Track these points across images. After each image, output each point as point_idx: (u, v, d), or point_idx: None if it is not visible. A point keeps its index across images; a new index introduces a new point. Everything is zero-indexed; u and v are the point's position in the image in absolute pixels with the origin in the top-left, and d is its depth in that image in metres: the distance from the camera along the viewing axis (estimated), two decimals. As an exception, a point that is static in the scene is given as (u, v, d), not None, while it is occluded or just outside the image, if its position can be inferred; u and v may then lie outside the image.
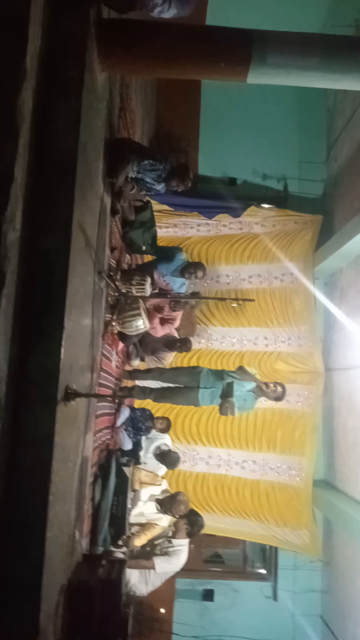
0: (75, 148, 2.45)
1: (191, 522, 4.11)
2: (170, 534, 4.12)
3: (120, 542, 3.60)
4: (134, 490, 3.94)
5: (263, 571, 6.59)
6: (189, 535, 4.10)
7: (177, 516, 4.20)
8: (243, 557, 6.50)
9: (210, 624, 6.11)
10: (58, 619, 2.35)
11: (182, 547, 4.04)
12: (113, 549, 3.61)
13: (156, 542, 4.03)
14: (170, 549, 3.98)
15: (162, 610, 5.05)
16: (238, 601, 6.37)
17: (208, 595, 6.18)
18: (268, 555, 6.52)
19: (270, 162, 7.07)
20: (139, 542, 3.97)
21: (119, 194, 3.54)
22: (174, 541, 4.04)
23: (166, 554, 3.97)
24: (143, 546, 4.01)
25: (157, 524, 4.14)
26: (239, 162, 7.11)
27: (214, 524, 6.00)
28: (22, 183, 2.20)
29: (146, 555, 3.96)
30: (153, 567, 3.89)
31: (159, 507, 4.24)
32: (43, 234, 2.33)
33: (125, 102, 4.29)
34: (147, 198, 4.38)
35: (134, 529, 4.06)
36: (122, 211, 3.74)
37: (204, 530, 6.05)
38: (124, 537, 3.63)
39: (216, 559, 6.80)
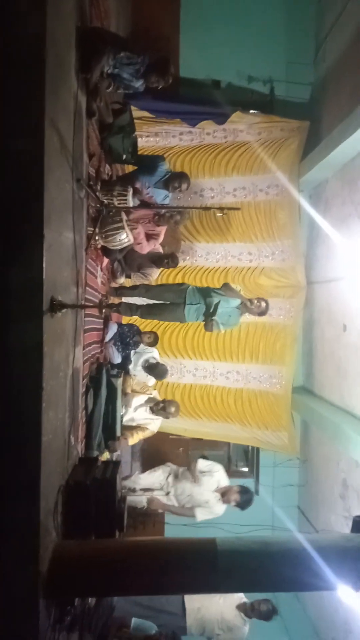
0: (42, 33, 2.19)
1: (243, 492, 4.89)
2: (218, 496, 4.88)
3: (109, 445, 3.82)
4: (125, 394, 4.14)
5: (245, 469, 7.11)
6: (238, 506, 4.88)
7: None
8: (227, 458, 6.97)
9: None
10: (57, 514, 2.52)
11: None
12: (107, 452, 3.84)
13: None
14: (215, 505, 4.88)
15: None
16: (223, 496, 6.95)
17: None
18: (250, 456, 7.00)
19: (256, 63, 6.48)
20: (131, 441, 4.29)
21: (94, 92, 3.23)
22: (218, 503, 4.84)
23: (209, 507, 4.86)
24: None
25: (147, 428, 4.42)
26: (222, 62, 6.49)
27: (201, 428, 6.37)
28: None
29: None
30: (194, 516, 4.83)
31: (151, 410, 4.51)
32: (13, 134, 2.15)
33: (96, -14, 3.81)
34: (126, 101, 4.05)
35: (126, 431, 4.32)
36: (99, 112, 3.44)
37: (192, 435, 6.49)
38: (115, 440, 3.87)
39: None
